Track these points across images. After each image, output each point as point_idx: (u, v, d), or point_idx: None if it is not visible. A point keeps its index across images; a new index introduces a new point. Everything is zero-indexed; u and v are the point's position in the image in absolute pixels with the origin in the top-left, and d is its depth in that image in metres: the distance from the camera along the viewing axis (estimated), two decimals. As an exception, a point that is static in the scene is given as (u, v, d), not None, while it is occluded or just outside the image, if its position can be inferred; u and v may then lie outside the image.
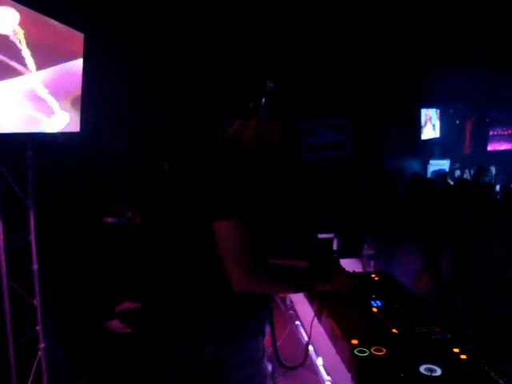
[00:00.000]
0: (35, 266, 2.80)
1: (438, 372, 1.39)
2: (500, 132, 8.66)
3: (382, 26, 5.08)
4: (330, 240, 3.44)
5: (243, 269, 1.44)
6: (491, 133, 8.72)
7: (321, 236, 3.36)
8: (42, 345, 2.84)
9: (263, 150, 1.61)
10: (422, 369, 1.40)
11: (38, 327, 2.82)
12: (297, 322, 2.29)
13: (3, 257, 2.49)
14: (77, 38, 2.84)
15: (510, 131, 8.71)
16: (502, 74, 6.81)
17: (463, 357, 1.48)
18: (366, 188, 6.14)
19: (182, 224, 1.64)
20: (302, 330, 2.16)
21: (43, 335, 2.85)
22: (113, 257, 3.91)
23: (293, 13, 4.22)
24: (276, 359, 1.79)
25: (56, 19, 2.65)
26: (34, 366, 2.77)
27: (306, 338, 1.91)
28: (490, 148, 8.86)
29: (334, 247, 3.38)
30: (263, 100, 1.52)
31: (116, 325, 3.96)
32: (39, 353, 2.82)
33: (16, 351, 2.60)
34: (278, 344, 1.82)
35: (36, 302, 2.81)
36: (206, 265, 1.57)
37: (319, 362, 1.82)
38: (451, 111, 8.62)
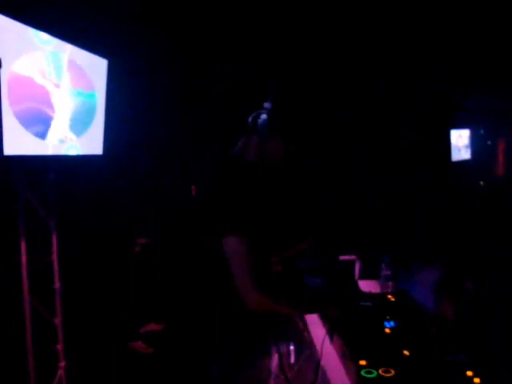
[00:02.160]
0: (57, 285, 2.86)
1: (446, 395, 1.33)
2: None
3: (409, 41, 5.07)
4: (352, 262, 3.39)
5: (251, 285, 1.44)
6: (526, 153, 8.48)
7: (342, 258, 3.31)
8: (63, 363, 2.87)
9: (267, 167, 1.61)
10: (430, 391, 1.35)
11: (58, 346, 2.86)
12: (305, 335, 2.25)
13: (26, 276, 2.55)
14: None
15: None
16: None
17: (476, 380, 1.42)
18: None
19: (198, 244, 1.67)
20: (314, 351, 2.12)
21: (64, 354, 2.88)
22: (138, 278, 3.96)
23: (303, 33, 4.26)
24: (285, 379, 1.76)
25: (82, 47, 2.77)
26: (54, 384, 2.80)
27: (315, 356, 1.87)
28: (524, 169, 8.60)
29: (356, 270, 3.32)
30: (262, 117, 1.53)
31: (139, 345, 3.99)
32: (59, 371, 2.85)
33: (37, 369, 2.63)
34: (297, 365, 1.80)
35: (57, 320, 2.86)
36: (217, 284, 1.58)
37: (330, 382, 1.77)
38: (482, 131, 8.44)
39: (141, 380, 3.32)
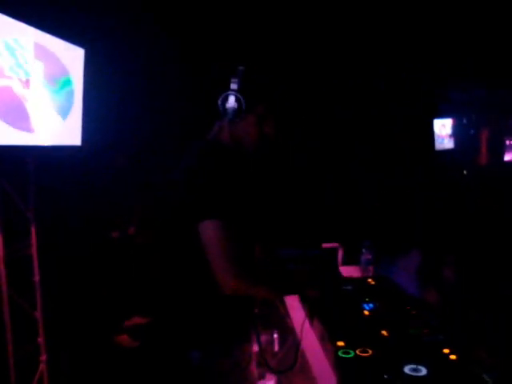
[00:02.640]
0: (36, 278, 2.82)
1: (424, 372, 1.33)
2: (517, 141, 8.51)
3: (395, 33, 5.10)
4: (334, 250, 3.40)
5: (228, 268, 1.42)
6: (507, 142, 8.58)
7: (325, 245, 3.32)
8: (44, 357, 2.84)
9: (242, 151, 1.59)
10: (407, 369, 1.35)
11: (39, 339, 2.83)
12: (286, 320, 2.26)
13: (3, 268, 2.51)
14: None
15: (527, 140, 8.54)
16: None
17: (453, 357, 1.43)
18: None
19: (175, 231, 1.64)
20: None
21: (45, 347, 2.85)
22: (119, 271, 3.93)
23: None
24: (264, 364, 1.75)
25: (57, 35, 2.72)
26: (36, 379, 2.77)
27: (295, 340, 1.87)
28: (506, 158, 8.70)
29: (339, 257, 3.34)
30: (229, 99, 1.51)
31: (125, 339, 3.96)
32: (41, 365, 2.81)
33: (17, 363, 2.60)
34: (280, 352, 1.80)
35: (37, 314, 2.82)
36: (194, 270, 1.56)
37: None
38: (465, 121, 8.50)
39: (127, 374, 3.30)
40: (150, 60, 4.04)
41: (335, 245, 3.49)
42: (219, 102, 1.53)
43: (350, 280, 2.25)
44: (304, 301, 1.99)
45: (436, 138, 8.26)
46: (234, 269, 1.42)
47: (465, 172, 8.50)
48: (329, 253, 3.33)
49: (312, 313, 1.87)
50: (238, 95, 1.50)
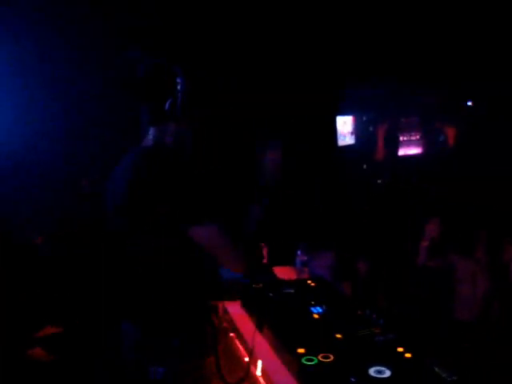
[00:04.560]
0: None
1: (388, 373, 1.39)
2: (409, 137, 9.20)
3: (293, 31, 5.23)
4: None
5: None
6: (401, 138, 9.24)
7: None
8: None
9: (187, 154, 1.56)
10: (372, 371, 1.40)
11: None
12: (231, 334, 2.22)
13: None
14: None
15: (417, 136, 9.26)
16: (411, 83, 7.24)
17: (408, 355, 1.50)
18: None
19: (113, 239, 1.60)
20: (238, 343, 2.10)
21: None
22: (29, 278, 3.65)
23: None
24: (219, 377, 1.72)
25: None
26: None
27: (245, 351, 1.85)
28: (400, 153, 9.37)
29: (265, 255, 3.37)
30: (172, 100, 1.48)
31: (39, 353, 3.67)
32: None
33: None
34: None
35: None
36: (144, 277, 1.53)
37: (259, 373, 1.76)
38: (365, 118, 9.01)
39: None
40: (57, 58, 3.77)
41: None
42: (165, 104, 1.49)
43: (289, 283, 2.27)
44: (251, 307, 1.98)
45: (338, 134, 8.67)
46: None
47: (364, 166, 9.03)
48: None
49: (260, 321, 1.86)
50: (183, 98, 1.47)
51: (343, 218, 5.49)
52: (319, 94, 7.42)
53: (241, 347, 1.99)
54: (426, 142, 9.03)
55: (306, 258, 2.51)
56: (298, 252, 2.54)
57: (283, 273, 2.59)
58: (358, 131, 8.92)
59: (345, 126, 8.81)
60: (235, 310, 2.18)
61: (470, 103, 8.51)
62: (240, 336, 1.97)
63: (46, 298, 3.70)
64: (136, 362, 1.57)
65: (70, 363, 3.30)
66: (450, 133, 9.03)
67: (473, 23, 5.85)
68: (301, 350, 1.54)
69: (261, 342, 1.80)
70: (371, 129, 9.06)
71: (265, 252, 3.40)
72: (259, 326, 1.85)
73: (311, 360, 1.48)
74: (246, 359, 1.81)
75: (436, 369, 1.41)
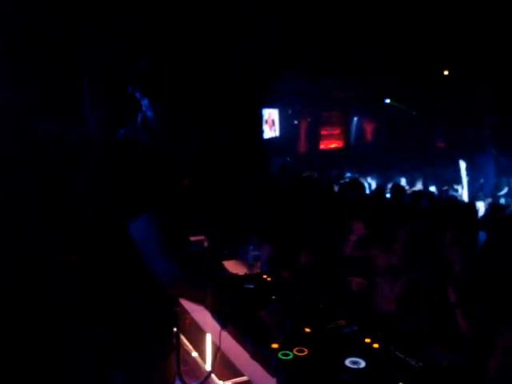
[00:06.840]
0: None
1: (363, 364, 1.46)
2: (330, 131, 9.54)
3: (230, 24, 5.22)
4: (201, 242, 3.41)
5: None
6: (323, 132, 9.55)
7: (193, 238, 3.30)
8: None
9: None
10: (348, 362, 1.46)
11: None
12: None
13: None
14: None
15: (338, 131, 9.65)
16: (335, 78, 7.52)
17: (375, 346, 1.59)
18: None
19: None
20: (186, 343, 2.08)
21: None
22: None
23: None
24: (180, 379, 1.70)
25: None
26: None
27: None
28: (322, 146, 9.70)
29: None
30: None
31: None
32: None
33: None
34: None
35: None
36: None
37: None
38: (290, 112, 9.23)
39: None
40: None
41: (201, 237, 3.50)
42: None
43: (246, 278, 2.29)
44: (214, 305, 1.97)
45: (263, 126, 8.80)
46: None
47: (288, 159, 9.25)
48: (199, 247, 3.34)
49: (225, 319, 1.85)
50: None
51: (273, 210, 5.57)
52: (245, 86, 7.47)
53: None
54: (346, 137, 9.42)
55: (257, 253, 2.55)
56: (250, 247, 2.56)
57: (235, 267, 2.60)
58: (282, 124, 9.12)
59: (269, 118, 8.97)
60: (198, 308, 2.16)
61: (387, 100, 9.02)
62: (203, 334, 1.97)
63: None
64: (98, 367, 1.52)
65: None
66: (368, 128, 9.50)
67: (394, 22, 6.17)
68: (275, 345, 1.57)
69: (227, 340, 1.80)
70: (295, 122, 9.32)
71: (206, 245, 3.39)
72: (223, 324, 1.85)
73: (287, 355, 1.51)
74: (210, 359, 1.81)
75: (404, 357, 1.50)
